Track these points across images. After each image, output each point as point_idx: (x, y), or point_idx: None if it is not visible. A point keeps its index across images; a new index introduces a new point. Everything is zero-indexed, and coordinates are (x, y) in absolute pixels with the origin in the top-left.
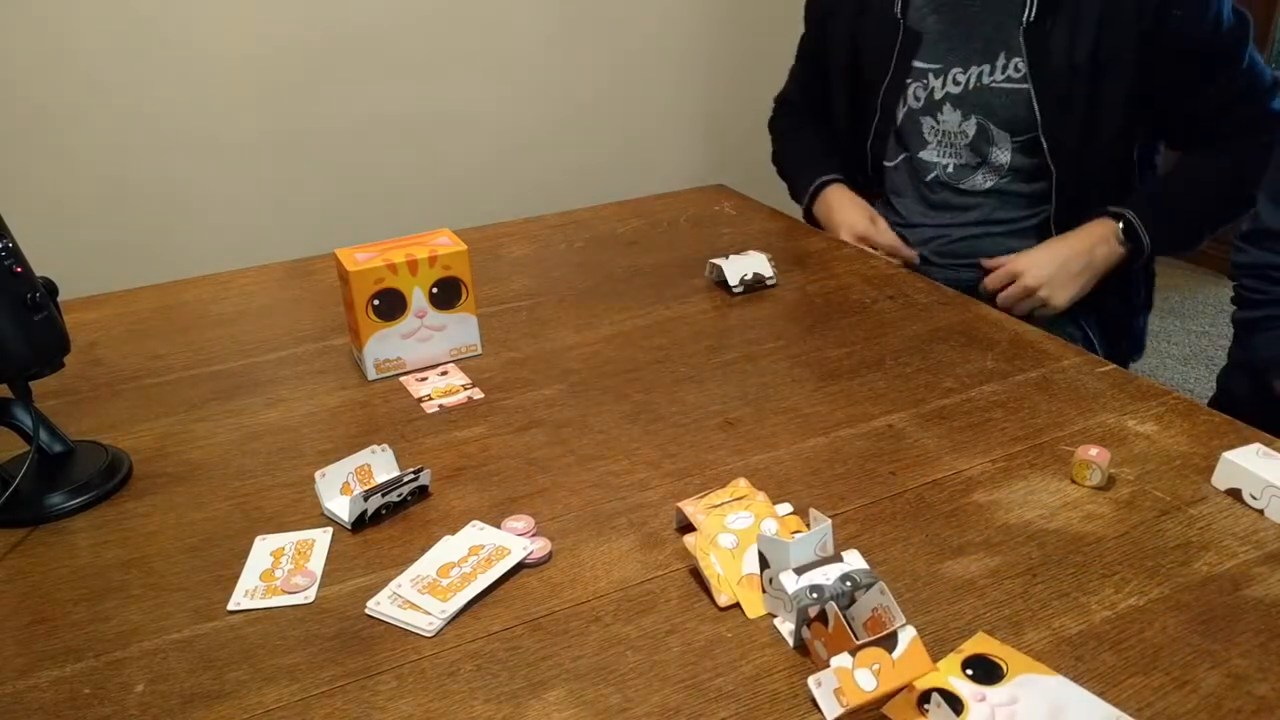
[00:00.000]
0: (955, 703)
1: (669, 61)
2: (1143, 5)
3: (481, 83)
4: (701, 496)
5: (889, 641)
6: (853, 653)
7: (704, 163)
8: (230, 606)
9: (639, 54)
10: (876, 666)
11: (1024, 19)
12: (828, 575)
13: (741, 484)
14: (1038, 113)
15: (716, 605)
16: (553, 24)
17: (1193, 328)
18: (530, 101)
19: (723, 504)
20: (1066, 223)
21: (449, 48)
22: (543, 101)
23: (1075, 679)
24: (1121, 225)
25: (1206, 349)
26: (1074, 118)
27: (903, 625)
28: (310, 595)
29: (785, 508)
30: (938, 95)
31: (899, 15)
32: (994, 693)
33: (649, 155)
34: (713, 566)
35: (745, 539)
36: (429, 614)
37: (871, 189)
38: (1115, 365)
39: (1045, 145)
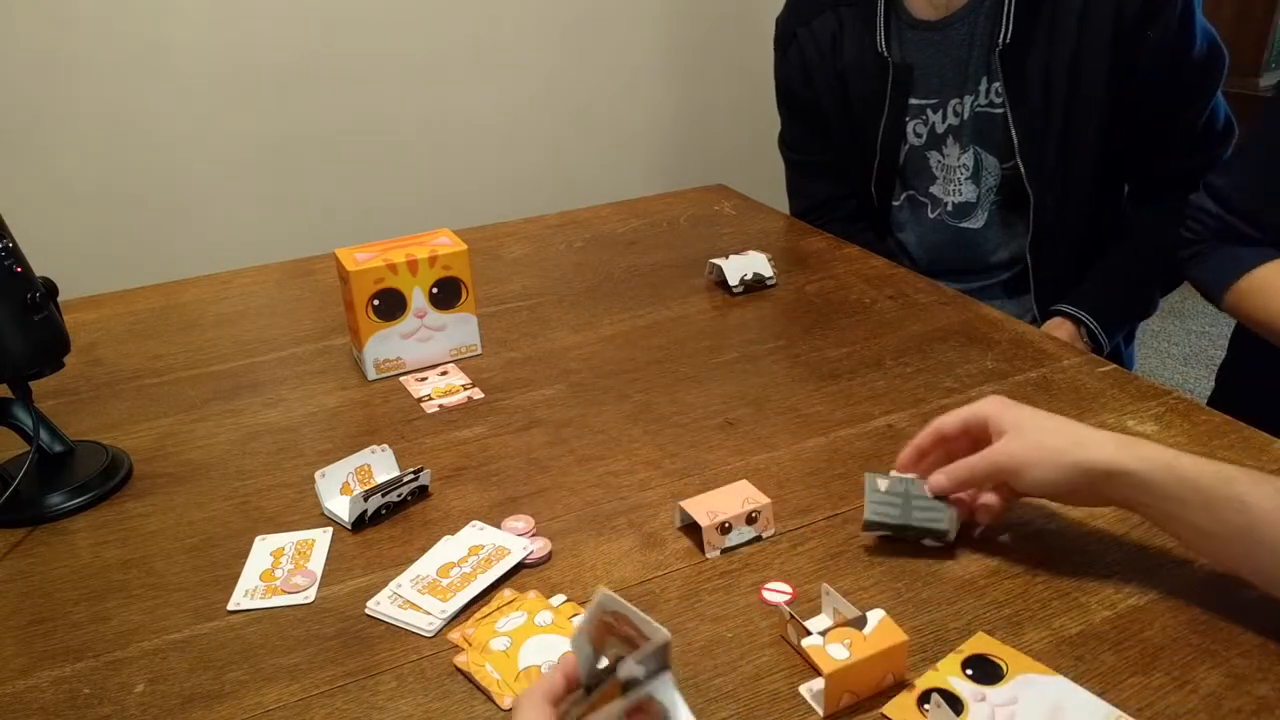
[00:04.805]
0: (955, 703)
1: (669, 61)
2: (1119, 26)
3: (481, 83)
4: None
5: (857, 622)
6: (822, 634)
7: (704, 163)
8: (230, 606)
9: (639, 54)
10: (848, 641)
11: (1001, 42)
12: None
13: (506, 593)
14: (1014, 135)
15: (500, 708)
16: (553, 24)
17: (1193, 328)
18: (530, 101)
19: (489, 614)
20: (1039, 249)
21: (449, 48)
22: (543, 101)
23: (1075, 679)
24: (1084, 331)
25: (1206, 349)
26: (1050, 141)
27: None
28: (310, 595)
29: (559, 598)
30: (939, 129)
31: (884, 51)
32: (994, 693)
33: (649, 155)
34: (489, 674)
35: (519, 636)
36: (429, 614)
37: (880, 229)
38: (1115, 365)
39: (1023, 169)
